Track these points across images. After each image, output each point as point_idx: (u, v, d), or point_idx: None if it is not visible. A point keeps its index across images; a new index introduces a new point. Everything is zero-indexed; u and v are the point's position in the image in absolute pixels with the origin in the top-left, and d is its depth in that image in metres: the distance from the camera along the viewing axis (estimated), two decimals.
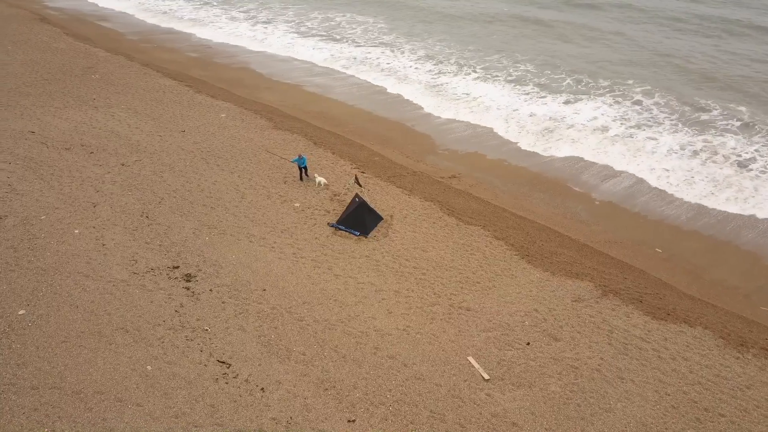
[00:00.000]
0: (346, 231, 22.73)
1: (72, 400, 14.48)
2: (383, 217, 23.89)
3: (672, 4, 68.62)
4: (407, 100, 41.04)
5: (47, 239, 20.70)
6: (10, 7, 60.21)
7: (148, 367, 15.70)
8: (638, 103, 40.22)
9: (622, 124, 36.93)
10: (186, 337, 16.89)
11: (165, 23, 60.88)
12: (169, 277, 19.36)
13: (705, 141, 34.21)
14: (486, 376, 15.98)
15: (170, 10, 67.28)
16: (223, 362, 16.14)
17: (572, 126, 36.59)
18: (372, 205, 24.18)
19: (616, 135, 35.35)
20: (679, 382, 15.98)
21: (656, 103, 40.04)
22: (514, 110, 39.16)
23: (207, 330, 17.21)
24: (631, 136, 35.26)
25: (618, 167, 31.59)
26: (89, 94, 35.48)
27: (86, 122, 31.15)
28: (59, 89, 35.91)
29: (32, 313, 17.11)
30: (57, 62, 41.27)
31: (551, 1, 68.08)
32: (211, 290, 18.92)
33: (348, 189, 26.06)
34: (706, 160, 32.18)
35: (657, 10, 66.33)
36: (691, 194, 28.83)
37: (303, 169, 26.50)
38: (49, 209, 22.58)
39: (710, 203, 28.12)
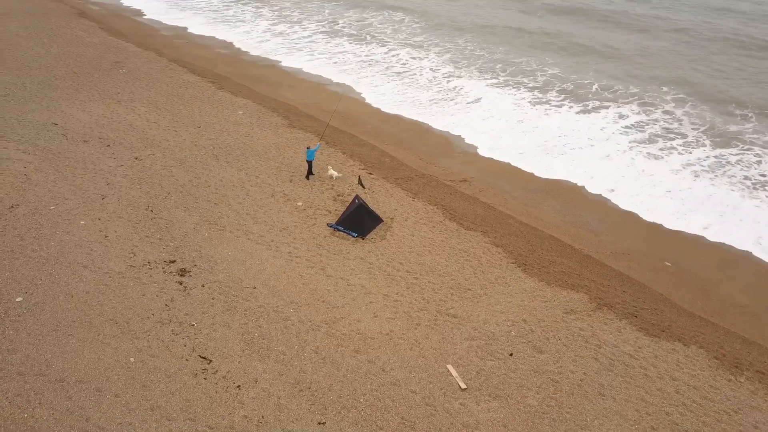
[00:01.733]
0: (344, 232, 22.78)
1: (54, 387, 14.97)
2: (383, 219, 23.83)
3: (707, 19, 66.37)
4: (428, 101, 40.81)
5: (53, 229, 21.42)
6: (53, 2, 62.32)
7: (131, 359, 16.10)
8: (669, 113, 38.95)
9: (642, 134, 35.98)
10: (172, 331, 17.24)
11: (194, 19, 61.99)
12: (164, 272, 19.78)
13: (724, 158, 32.90)
14: (463, 386, 15.80)
15: (202, 8, 68.52)
16: (205, 358, 16.41)
17: (591, 134, 35.79)
18: (373, 207, 24.18)
19: (634, 143, 34.49)
20: (662, 403, 15.47)
21: (687, 113, 38.77)
22: (535, 115, 38.56)
23: (193, 325, 17.53)
24: (653, 147, 34.35)
25: (632, 176, 30.72)
26: (114, 89, 36.48)
27: (107, 116, 32.05)
28: (86, 83, 37.04)
29: (28, 301, 17.75)
30: (88, 56, 42.55)
31: (583, 17, 66.54)
32: (203, 286, 19.25)
33: (353, 190, 26.08)
34: (721, 178, 31.01)
35: (693, 25, 64.27)
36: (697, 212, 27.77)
37: (310, 164, 26.53)
38: (59, 200, 23.34)
39: (711, 228, 26.59)
